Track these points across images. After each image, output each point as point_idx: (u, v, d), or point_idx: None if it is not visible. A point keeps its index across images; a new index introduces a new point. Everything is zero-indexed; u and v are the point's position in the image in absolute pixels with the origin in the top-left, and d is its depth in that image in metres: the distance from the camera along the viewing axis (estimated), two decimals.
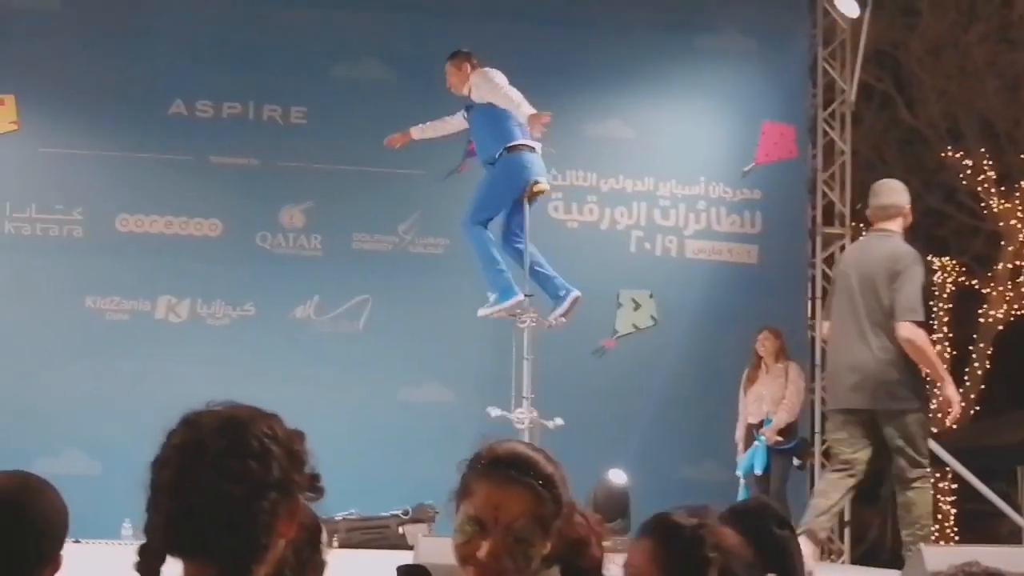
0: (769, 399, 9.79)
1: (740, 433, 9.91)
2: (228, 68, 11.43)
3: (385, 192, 11.57)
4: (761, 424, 9.79)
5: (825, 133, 12.64)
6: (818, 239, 12.48)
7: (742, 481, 9.63)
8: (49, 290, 10.97)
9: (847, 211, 12.66)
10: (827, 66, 12.64)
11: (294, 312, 11.37)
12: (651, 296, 11.92)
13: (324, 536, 2.89)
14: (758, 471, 9.60)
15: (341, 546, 9.72)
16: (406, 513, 10.10)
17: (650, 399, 11.60)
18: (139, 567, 1.90)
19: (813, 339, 12.32)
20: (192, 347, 10.93)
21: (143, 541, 1.92)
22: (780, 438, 9.72)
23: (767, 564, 2.16)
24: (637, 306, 11.89)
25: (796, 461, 9.95)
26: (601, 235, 11.96)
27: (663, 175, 12.11)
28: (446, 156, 11.73)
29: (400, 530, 9.93)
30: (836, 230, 12.64)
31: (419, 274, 11.50)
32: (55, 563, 2.73)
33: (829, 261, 12.53)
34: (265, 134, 11.47)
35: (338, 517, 9.96)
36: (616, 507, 10.69)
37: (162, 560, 1.88)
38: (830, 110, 12.69)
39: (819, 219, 12.54)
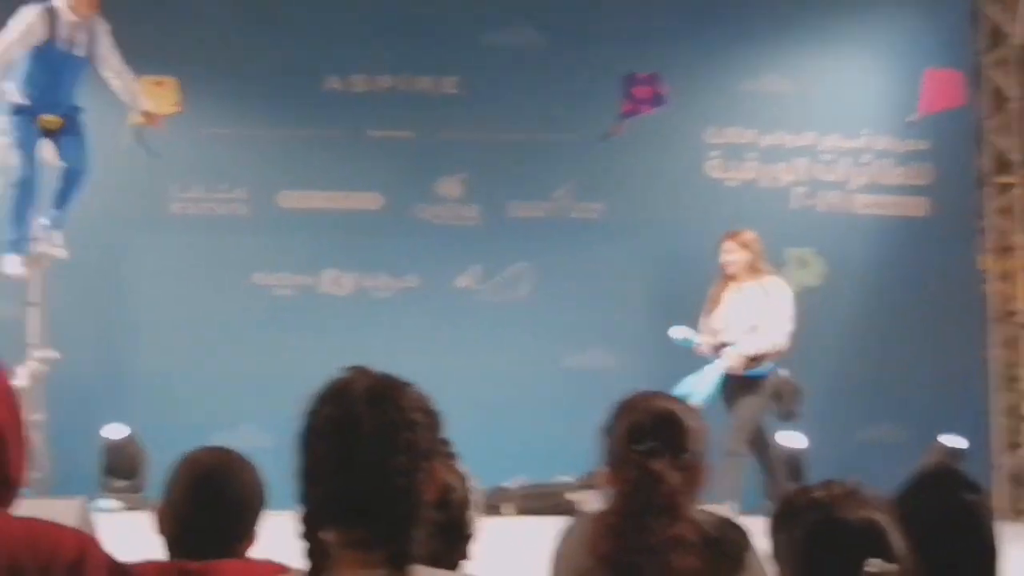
0: (739, 325, 7.97)
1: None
2: (379, 41, 11.48)
3: (539, 158, 11.53)
4: (722, 346, 7.94)
5: (990, 78, 12.20)
6: (988, 189, 12.06)
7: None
8: (217, 268, 11.18)
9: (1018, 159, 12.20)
10: (990, 7, 12.19)
11: (456, 282, 11.42)
12: (817, 254, 11.69)
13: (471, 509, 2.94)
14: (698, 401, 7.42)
15: (517, 513, 9.80)
16: (578, 480, 10.09)
17: (825, 358, 11.30)
18: (305, 536, 1.92)
19: (985, 293, 11.93)
20: (357, 320, 11.06)
21: (304, 510, 1.93)
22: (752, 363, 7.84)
23: (958, 535, 2.02)
24: (804, 264, 11.66)
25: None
26: (761, 192, 11.76)
27: (824, 129, 11.85)
28: (599, 120, 11.64)
29: (570, 497, 9.93)
30: (1008, 179, 12.20)
31: (577, 239, 11.45)
32: (251, 538, 2.77)
33: (1003, 212, 12.09)
34: (418, 106, 11.51)
35: (509, 485, 10.00)
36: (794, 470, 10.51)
37: (323, 528, 1.90)
38: (996, 54, 12.23)
39: (988, 168, 12.11)
